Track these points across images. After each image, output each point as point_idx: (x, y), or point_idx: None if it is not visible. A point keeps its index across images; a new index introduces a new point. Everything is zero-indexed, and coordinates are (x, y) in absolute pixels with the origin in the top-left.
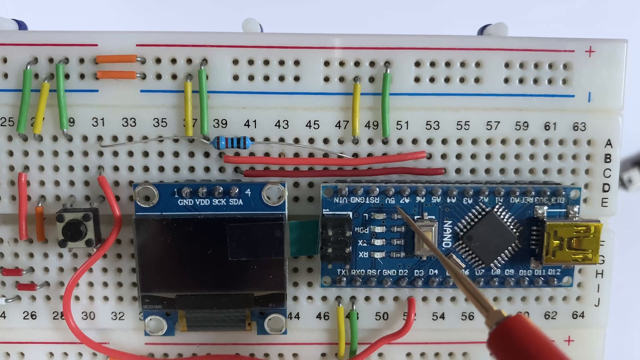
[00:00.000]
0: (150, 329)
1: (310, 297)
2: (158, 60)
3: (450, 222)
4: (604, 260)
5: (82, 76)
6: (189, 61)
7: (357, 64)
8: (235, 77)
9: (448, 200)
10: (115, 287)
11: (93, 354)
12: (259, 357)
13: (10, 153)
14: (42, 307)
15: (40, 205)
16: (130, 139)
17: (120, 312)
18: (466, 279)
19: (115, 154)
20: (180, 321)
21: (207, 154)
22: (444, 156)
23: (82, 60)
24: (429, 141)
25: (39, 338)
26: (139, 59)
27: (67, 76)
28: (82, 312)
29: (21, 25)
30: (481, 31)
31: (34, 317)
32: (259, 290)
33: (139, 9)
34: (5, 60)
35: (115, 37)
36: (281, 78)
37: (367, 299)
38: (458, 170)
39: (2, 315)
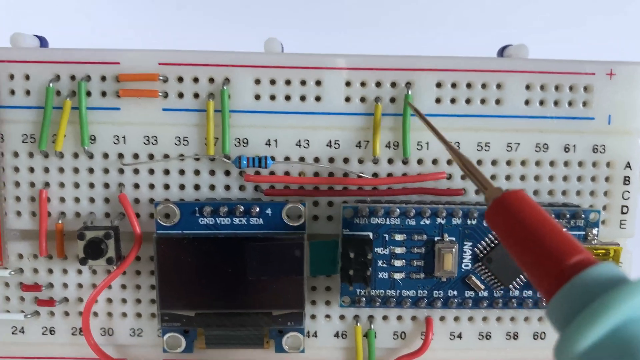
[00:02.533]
0: (168, 345)
1: (328, 316)
2: (180, 79)
3: (470, 243)
4: None
5: (103, 94)
6: (211, 80)
7: (378, 84)
8: (257, 97)
9: (468, 222)
10: (133, 303)
11: None
12: None
13: (31, 169)
14: (60, 322)
15: (60, 221)
16: (151, 156)
17: (139, 328)
18: (466, 158)
19: (136, 171)
20: (198, 338)
21: (227, 172)
22: (463, 177)
23: (104, 78)
24: (449, 162)
25: (57, 353)
26: (161, 77)
27: (88, 93)
28: (101, 328)
29: (42, 41)
30: (501, 52)
31: (52, 332)
32: (277, 309)
33: (161, 27)
34: (27, 77)
35: (138, 55)
36: (302, 98)
37: (384, 318)
38: (478, 192)
39: (21, 330)
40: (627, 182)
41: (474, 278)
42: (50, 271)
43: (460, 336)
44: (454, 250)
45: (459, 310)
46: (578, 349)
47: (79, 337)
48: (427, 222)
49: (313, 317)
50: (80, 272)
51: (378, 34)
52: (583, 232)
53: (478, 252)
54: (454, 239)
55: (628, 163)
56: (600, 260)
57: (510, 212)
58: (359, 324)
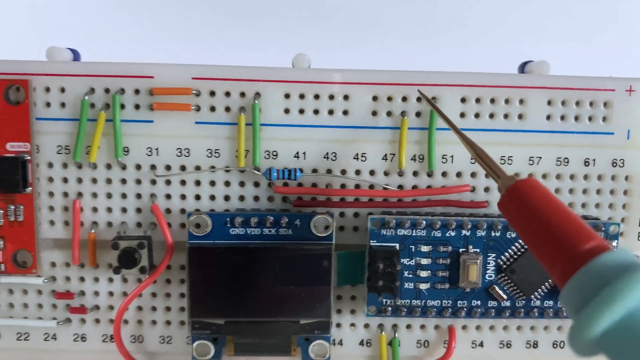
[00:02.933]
0: (197, 353)
1: (353, 325)
2: (212, 93)
3: (494, 255)
4: None
5: (137, 107)
6: (243, 95)
7: (404, 99)
8: (287, 111)
9: (492, 234)
10: (163, 311)
11: None
12: None
13: (65, 180)
14: (91, 330)
15: (93, 231)
16: (183, 168)
17: (168, 336)
18: (479, 148)
19: (168, 182)
20: (227, 346)
21: (257, 184)
22: (487, 189)
23: (137, 91)
24: (473, 175)
25: None
26: (194, 91)
27: (122, 106)
28: (131, 336)
29: (75, 54)
30: (522, 67)
31: (83, 339)
32: (305, 317)
33: (194, 41)
34: (62, 90)
35: (172, 69)
36: (330, 112)
37: (408, 327)
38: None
39: (53, 337)
40: None
41: (497, 288)
42: (82, 279)
43: (482, 344)
44: (478, 261)
45: (481, 320)
46: (592, 333)
47: (110, 344)
48: (453, 233)
49: (338, 325)
50: (111, 280)
51: (404, 51)
52: None
53: (501, 263)
54: (478, 250)
55: None
56: (612, 247)
57: (524, 199)
58: (383, 333)
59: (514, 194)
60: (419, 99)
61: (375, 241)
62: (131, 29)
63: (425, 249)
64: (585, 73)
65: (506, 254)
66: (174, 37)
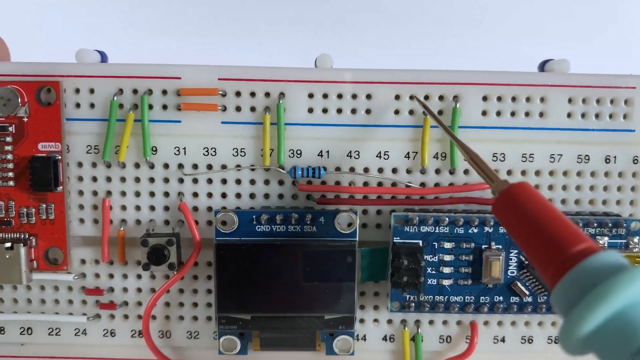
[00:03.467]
0: (224, 348)
1: (376, 320)
2: (238, 94)
3: (515, 251)
4: None
5: (164, 107)
6: (267, 95)
7: (426, 97)
8: (310, 110)
9: None
10: (190, 307)
11: None
12: None
13: (94, 179)
14: (120, 325)
15: (122, 229)
16: (210, 167)
17: (195, 331)
18: (473, 152)
19: (195, 181)
20: (253, 341)
21: (281, 182)
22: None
23: (165, 92)
24: (495, 172)
25: (118, 355)
26: (220, 92)
27: (150, 107)
28: (159, 331)
29: (103, 56)
30: (542, 66)
31: (113, 334)
32: (329, 313)
33: (220, 43)
34: (92, 91)
35: (198, 70)
36: (353, 111)
37: (431, 322)
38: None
39: (84, 332)
40: None
41: (519, 284)
42: (111, 276)
43: (503, 340)
44: (501, 257)
45: (502, 315)
46: (581, 332)
47: (139, 339)
48: (475, 230)
49: (362, 321)
50: (139, 277)
51: (424, 51)
52: (624, 241)
53: (523, 259)
54: (500, 246)
55: None
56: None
57: (517, 203)
58: (406, 328)
59: (507, 198)
60: (441, 98)
61: (398, 238)
62: (158, 31)
63: (448, 245)
64: (607, 71)
65: None
66: (201, 38)
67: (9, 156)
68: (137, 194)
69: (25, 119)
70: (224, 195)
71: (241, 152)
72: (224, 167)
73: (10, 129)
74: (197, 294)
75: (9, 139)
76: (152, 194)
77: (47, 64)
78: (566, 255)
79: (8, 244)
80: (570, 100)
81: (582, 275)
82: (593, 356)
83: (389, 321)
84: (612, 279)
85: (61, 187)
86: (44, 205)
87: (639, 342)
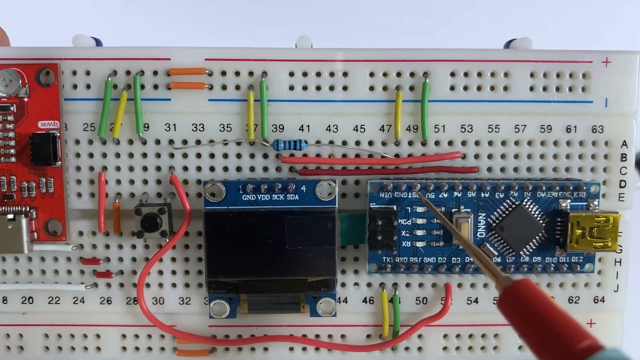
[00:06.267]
0: (214, 312)
1: (356, 284)
2: (224, 73)
3: (484, 214)
4: (622, 250)
5: (155, 87)
6: (251, 73)
7: (398, 74)
8: (291, 87)
9: (482, 195)
10: (182, 275)
11: (161, 336)
12: (310, 338)
13: (91, 155)
14: (116, 293)
15: (117, 201)
16: (198, 142)
17: (187, 297)
18: (477, 249)
19: (185, 155)
20: (242, 304)
21: (265, 156)
22: (476, 156)
23: (155, 73)
24: (463, 143)
25: (113, 321)
26: (207, 71)
27: (142, 86)
28: (153, 298)
29: (97, 42)
30: (507, 44)
31: (109, 302)
32: (312, 275)
33: (206, 25)
34: (88, 73)
35: (186, 52)
36: (331, 88)
37: (407, 285)
38: (489, 169)
39: (82, 300)
40: (624, 159)
41: (488, 245)
42: (107, 246)
43: (476, 301)
44: (469, 220)
45: (475, 277)
46: None
47: (134, 305)
48: (445, 195)
49: (343, 285)
50: (134, 247)
51: (398, 30)
52: (585, 204)
53: (491, 222)
54: (469, 210)
55: (624, 141)
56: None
57: (521, 300)
58: (384, 291)
59: (511, 295)
60: (412, 74)
61: (374, 203)
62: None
63: (420, 209)
64: (566, 47)
65: (495, 213)
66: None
67: (11, 134)
68: (131, 169)
69: (26, 99)
70: (212, 169)
71: (227, 127)
72: (211, 142)
73: (12, 108)
74: (188, 262)
75: (10, 117)
76: (144, 169)
77: (46, 48)
78: (571, 352)
79: (10, 216)
80: (532, 75)
81: None
82: None
83: (369, 284)
84: None
85: (60, 162)
86: (44, 180)
87: None
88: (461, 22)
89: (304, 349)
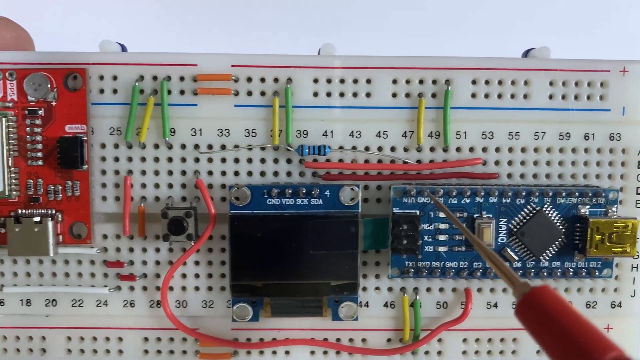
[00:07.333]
0: (237, 315)
1: (377, 288)
2: (249, 79)
3: (505, 219)
4: (639, 255)
5: (182, 92)
6: (276, 80)
7: (421, 81)
8: (315, 94)
9: (503, 200)
10: (205, 278)
11: (183, 339)
12: (331, 342)
13: (116, 159)
14: (139, 296)
15: (142, 205)
16: (223, 147)
17: (210, 300)
18: (494, 255)
19: (210, 160)
20: (265, 308)
21: (289, 161)
22: (497, 162)
23: (182, 78)
24: (484, 149)
25: (136, 324)
26: (233, 77)
27: (169, 92)
28: (176, 301)
29: (123, 48)
30: (526, 53)
31: (132, 305)
32: (334, 279)
33: (232, 32)
34: (115, 78)
35: (213, 58)
36: (355, 94)
37: (428, 289)
38: (509, 175)
39: (105, 303)
40: None
41: (509, 250)
42: (131, 250)
43: (496, 305)
44: (491, 225)
45: (495, 282)
46: None
47: (157, 309)
48: (467, 200)
49: (364, 289)
50: (158, 250)
51: (420, 39)
52: (604, 210)
53: (512, 227)
54: (491, 215)
55: None
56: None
57: (541, 308)
58: (405, 295)
59: (530, 302)
60: (434, 82)
61: (397, 208)
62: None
63: (442, 215)
64: (585, 57)
65: (516, 218)
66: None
67: (38, 137)
68: (157, 173)
69: (54, 103)
70: (236, 174)
71: (252, 132)
72: (236, 147)
73: (40, 112)
74: (211, 266)
75: (38, 121)
76: (170, 173)
77: (74, 53)
78: None
79: (37, 218)
80: (551, 83)
81: None
82: None
83: (390, 289)
84: None
85: (86, 166)
86: (70, 183)
87: None
88: (471, 27)
89: (325, 352)
